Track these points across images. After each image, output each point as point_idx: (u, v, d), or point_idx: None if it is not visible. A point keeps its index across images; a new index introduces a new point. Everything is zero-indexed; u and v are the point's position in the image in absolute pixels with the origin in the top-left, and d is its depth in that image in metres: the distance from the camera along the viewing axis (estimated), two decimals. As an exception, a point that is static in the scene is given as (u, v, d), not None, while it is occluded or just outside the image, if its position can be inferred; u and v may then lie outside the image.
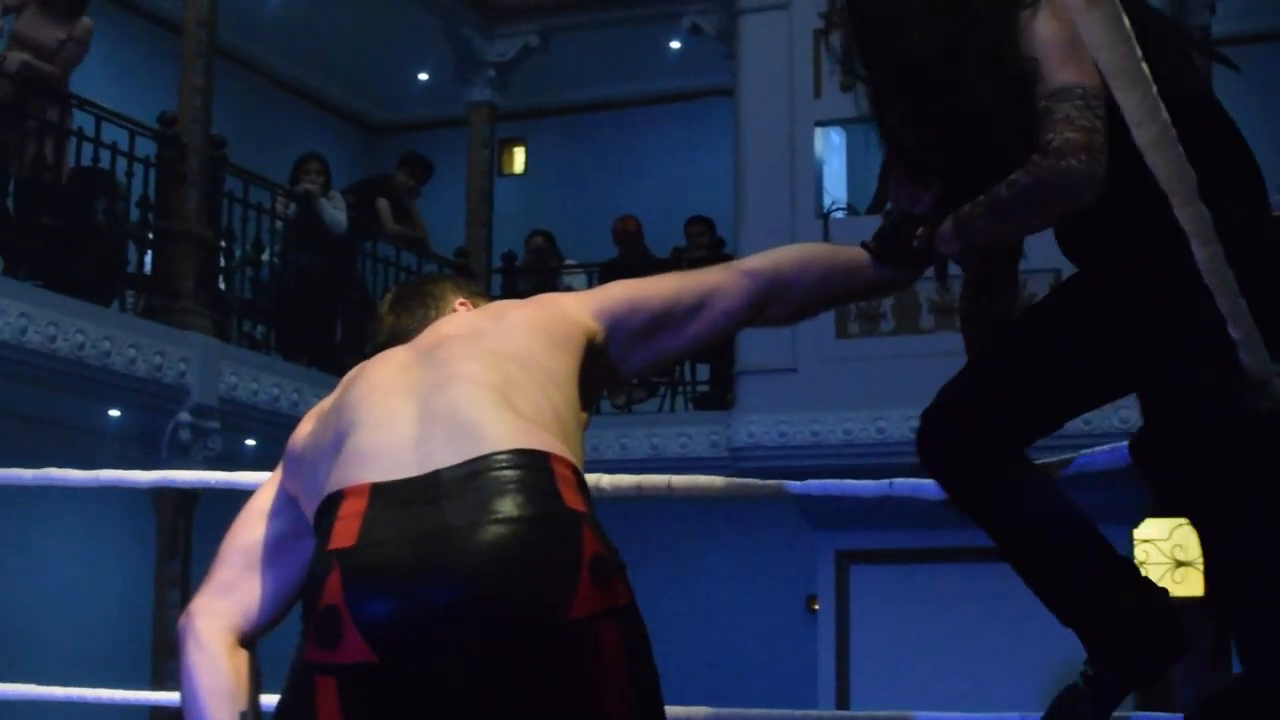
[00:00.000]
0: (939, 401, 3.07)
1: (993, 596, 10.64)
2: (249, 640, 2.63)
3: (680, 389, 13.67)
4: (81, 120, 10.15)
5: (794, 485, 3.80)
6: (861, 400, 11.63)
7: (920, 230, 2.93)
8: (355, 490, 2.35)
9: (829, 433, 11.80)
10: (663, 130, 15.94)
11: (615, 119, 16.12)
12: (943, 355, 11.50)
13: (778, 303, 2.99)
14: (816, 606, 12.62)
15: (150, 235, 10.68)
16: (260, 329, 11.84)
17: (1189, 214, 2.20)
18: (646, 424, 12.93)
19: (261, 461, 12.28)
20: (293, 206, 11.87)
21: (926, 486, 3.55)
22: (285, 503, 2.69)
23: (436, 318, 2.95)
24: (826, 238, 11.58)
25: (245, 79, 14.37)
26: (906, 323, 11.90)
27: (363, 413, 2.50)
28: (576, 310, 2.80)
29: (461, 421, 2.41)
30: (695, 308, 2.90)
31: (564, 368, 2.67)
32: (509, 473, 2.31)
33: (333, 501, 2.37)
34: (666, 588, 12.50)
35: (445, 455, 2.35)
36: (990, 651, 11.30)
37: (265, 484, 2.76)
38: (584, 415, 2.74)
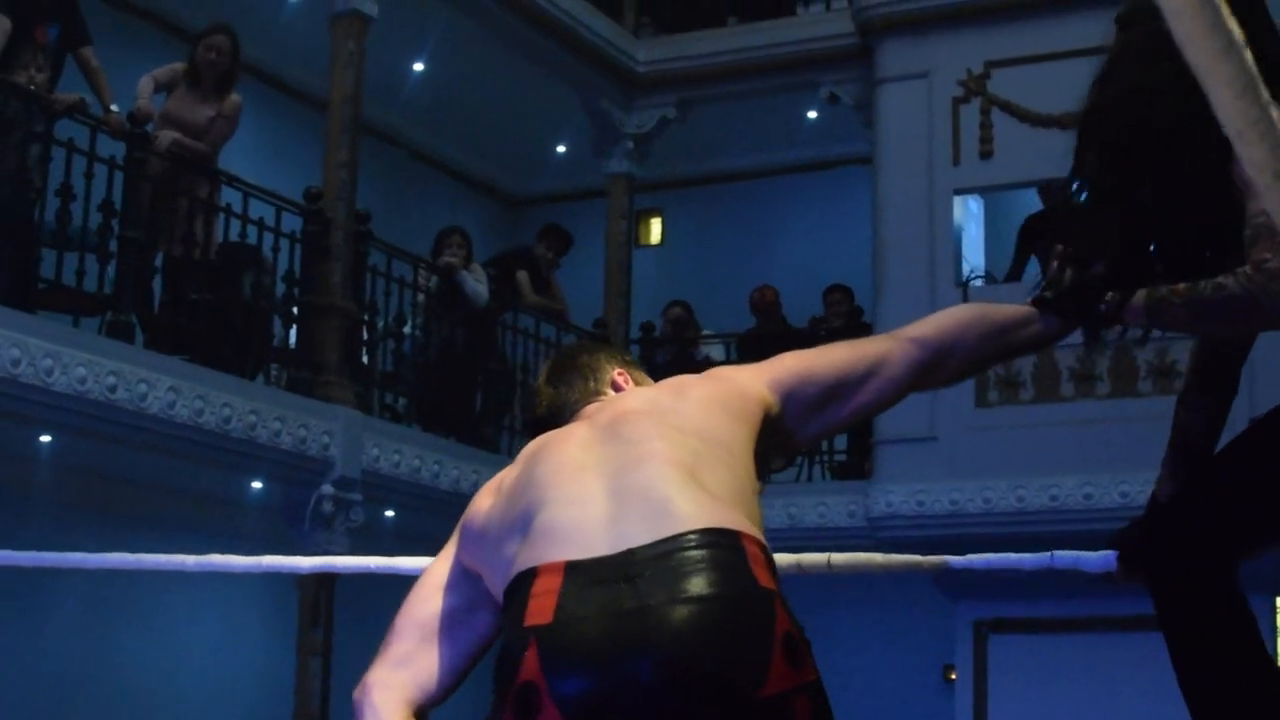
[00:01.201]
0: (1170, 513, 3.12)
1: (1133, 666, 10.54)
2: (423, 713, 2.68)
3: (818, 458, 13.63)
4: (229, 196, 10.30)
5: (956, 560, 3.79)
6: (1001, 469, 11.56)
7: (1111, 295, 2.95)
8: (549, 568, 2.40)
9: (968, 501, 11.73)
10: (799, 199, 15.93)
11: (752, 189, 16.13)
12: (1082, 423, 11.48)
13: (941, 368, 3.04)
14: (954, 676, 12.51)
15: (295, 309, 10.81)
16: (402, 401, 11.93)
17: None
18: (784, 494, 12.89)
19: (401, 534, 12.40)
20: (435, 279, 11.98)
21: (1087, 559, 3.55)
22: (460, 576, 2.75)
23: (596, 389, 3.03)
24: (966, 306, 11.44)
25: (387, 153, 14.56)
26: (1046, 391, 11.82)
27: (552, 490, 2.55)
28: (752, 384, 2.85)
29: (653, 500, 2.45)
30: (865, 377, 2.95)
31: (742, 441, 2.72)
32: (702, 551, 2.35)
33: (525, 578, 2.42)
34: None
35: (639, 534, 2.40)
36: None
37: (440, 557, 2.82)
38: (760, 484, 2.76)
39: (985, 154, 12.44)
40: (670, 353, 13.98)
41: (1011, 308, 3.11)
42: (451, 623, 2.72)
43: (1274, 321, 2.68)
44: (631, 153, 14.33)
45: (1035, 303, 3.07)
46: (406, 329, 11.86)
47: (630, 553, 2.37)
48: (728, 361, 13.59)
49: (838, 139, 14.83)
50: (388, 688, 2.65)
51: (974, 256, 12.80)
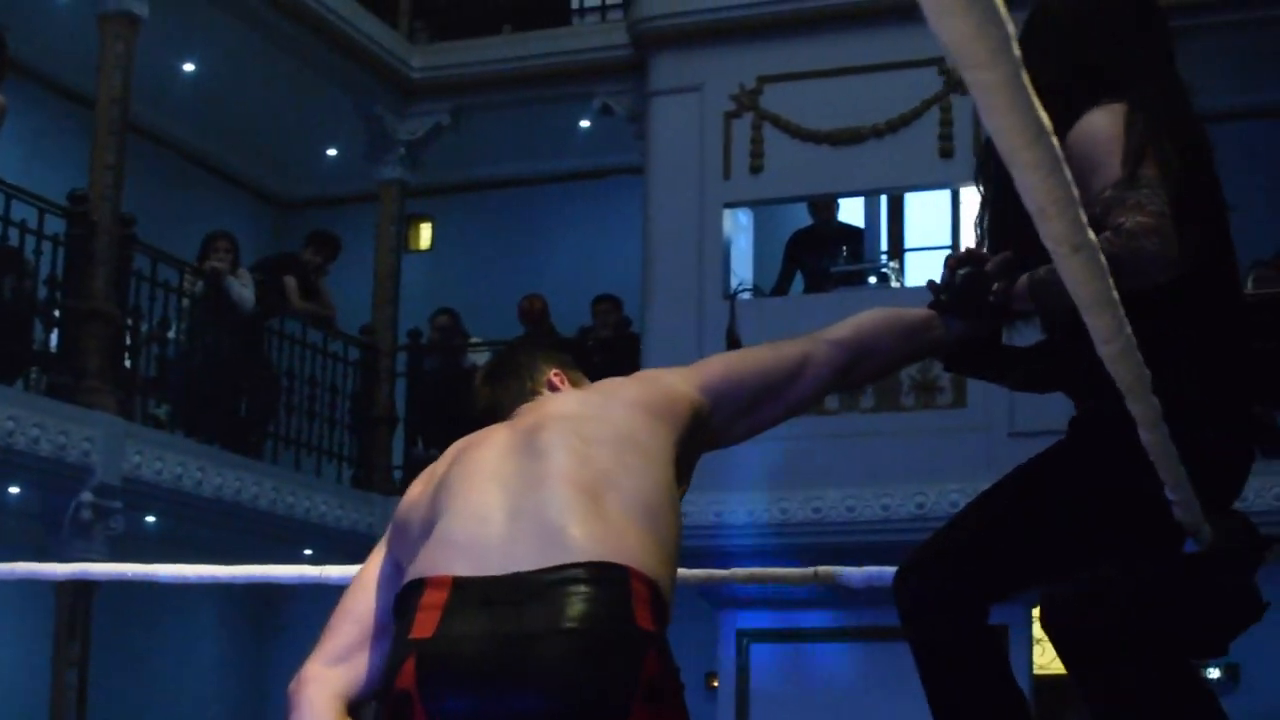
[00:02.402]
0: (922, 555, 3.20)
1: (890, 674, 10.74)
2: (354, 708, 2.71)
3: None
4: (-10, 198, 10.09)
5: (850, 574, 3.86)
6: (763, 482, 11.66)
7: (996, 286, 3.04)
8: (437, 581, 2.46)
9: (731, 514, 11.82)
10: (571, 208, 15.95)
11: (524, 196, 16.12)
12: (845, 437, 11.61)
13: (858, 369, 3.15)
14: (715, 684, 12.62)
15: (57, 313, 10.60)
16: (165, 408, 11.76)
17: (1141, 408, 2.37)
18: None
19: (163, 541, 12.21)
20: (200, 284, 11.82)
21: (847, 575, 3.64)
22: (394, 571, 2.77)
23: (532, 388, 3.08)
24: (733, 317, 11.62)
25: (155, 154, 14.30)
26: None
27: (458, 500, 2.60)
28: (681, 386, 2.91)
29: (548, 525, 2.50)
30: (789, 379, 3.04)
31: (664, 446, 2.76)
32: (586, 587, 2.41)
33: (415, 588, 2.48)
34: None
35: (529, 559, 2.45)
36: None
37: (375, 551, 2.86)
38: (682, 487, 2.83)
39: (756, 168, 12.57)
40: (438, 360, 13.95)
41: (918, 311, 3.19)
42: (388, 619, 2.73)
43: (1144, 279, 2.79)
44: (404, 158, 14.24)
45: (932, 306, 3.16)
46: (171, 334, 11.68)
47: (517, 576, 2.43)
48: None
49: (610, 149, 14.87)
50: (323, 682, 2.69)
51: (742, 269, 12.91)
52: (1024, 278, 3.00)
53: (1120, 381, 2.20)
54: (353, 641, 2.74)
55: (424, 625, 2.41)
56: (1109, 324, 1.88)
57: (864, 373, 3.18)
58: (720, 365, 3.02)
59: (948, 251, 13.23)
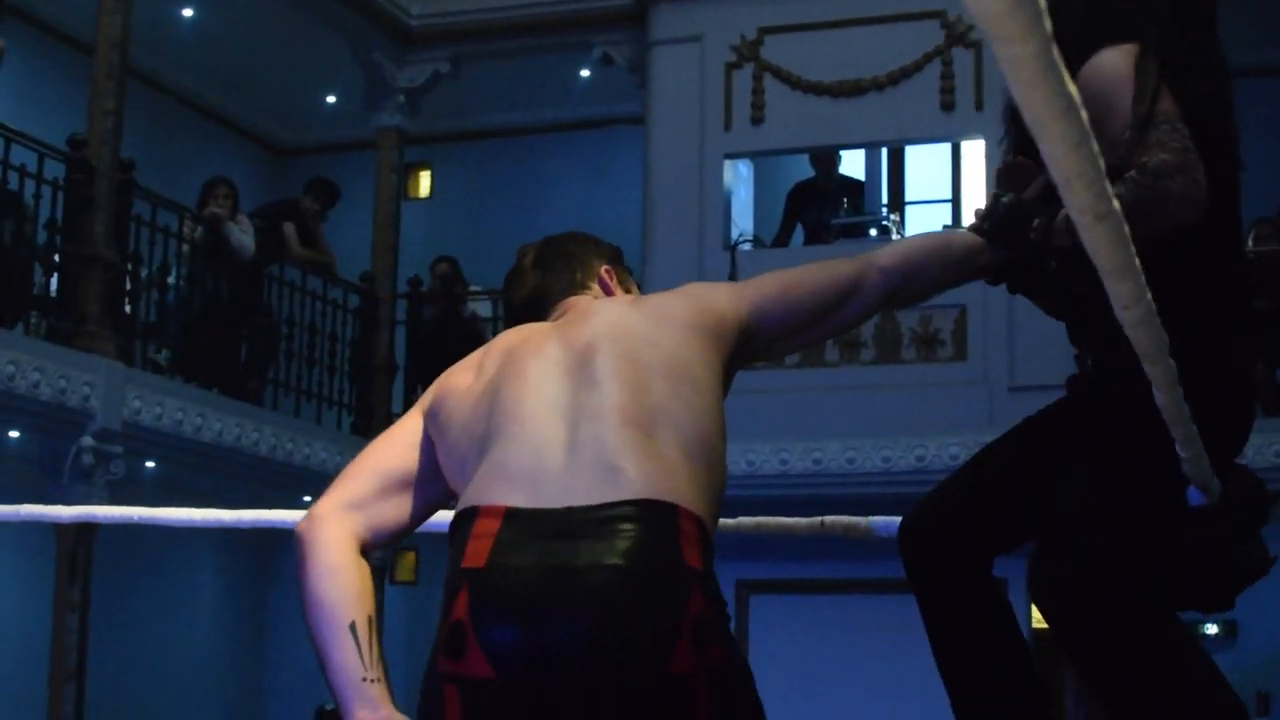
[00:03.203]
0: (927, 507, 3.22)
1: (888, 626, 10.78)
2: (367, 556, 2.72)
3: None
4: (-10, 142, 10.08)
5: (877, 522, 3.86)
6: (764, 433, 11.69)
7: (1037, 223, 3.03)
8: (490, 510, 2.49)
9: (732, 464, 11.81)
10: (571, 158, 15.94)
11: (523, 145, 16.11)
12: (846, 389, 11.63)
13: (904, 292, 3.11)
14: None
15: (57, 258, 10.59)
16: (165, 353, 11.76)
17: (1158, 370, 2.36)
18: None
19: (162, 486, 12.24)
20: (200, 230, 11.81)
21: (878, 525, 3.67)
22: (426, 442, 2.79)
23: (583, 280, 3.06)
24: (733, 268, 11.62)
25: (154, 100, 14.28)
26: (812, 357, 11.97)
27: (514, 424, 2.61)
28: (729, 306, 2.89)
29: (604, 459, 2.52)
30: (839, 302, 3.01)
31: (715, 374, 2.77)
32: (636, 525, 2.43)
33: (468, 516, 2.51)
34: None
35: (583, 493, 2.47)
36: (891, 682, 11.40)
37: (409, 414, 2.85)
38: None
39: (756, 119, 12.55)
40: (438, 308, 13.94)
41: (966, 237, 3.18)
42: (410, 480, 2.78)
43: (1170, 218, 2.81)
44: (403, 106, 14.20)
45: (974, 230, 3.15)
46: (171, 280, 11.67)
47: (569, 510, 2.45)
48: (495, 317, 13.62)
49: (610, 99, 14.86)
50: (339, 524, 2.69)
51: (743, 220, 12.92)
52: (1063, 214, 2.95)
53: (1139, 346, 2.21)
54: (370, 491, 2.75)
55: (476, 554, 2.45)
56: (1130, 290, 1.89)
57: (907, 297, 3.16)
58: (775, 287, 2.97)
59: (947, 205, 13.25)
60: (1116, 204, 1.48)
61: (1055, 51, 1.20)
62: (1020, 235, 3.06)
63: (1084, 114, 1.29)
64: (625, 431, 2.56)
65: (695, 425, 2.64)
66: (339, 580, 2.63)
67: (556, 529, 2.43)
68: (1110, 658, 2.94)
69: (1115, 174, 2.88)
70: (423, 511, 2.81)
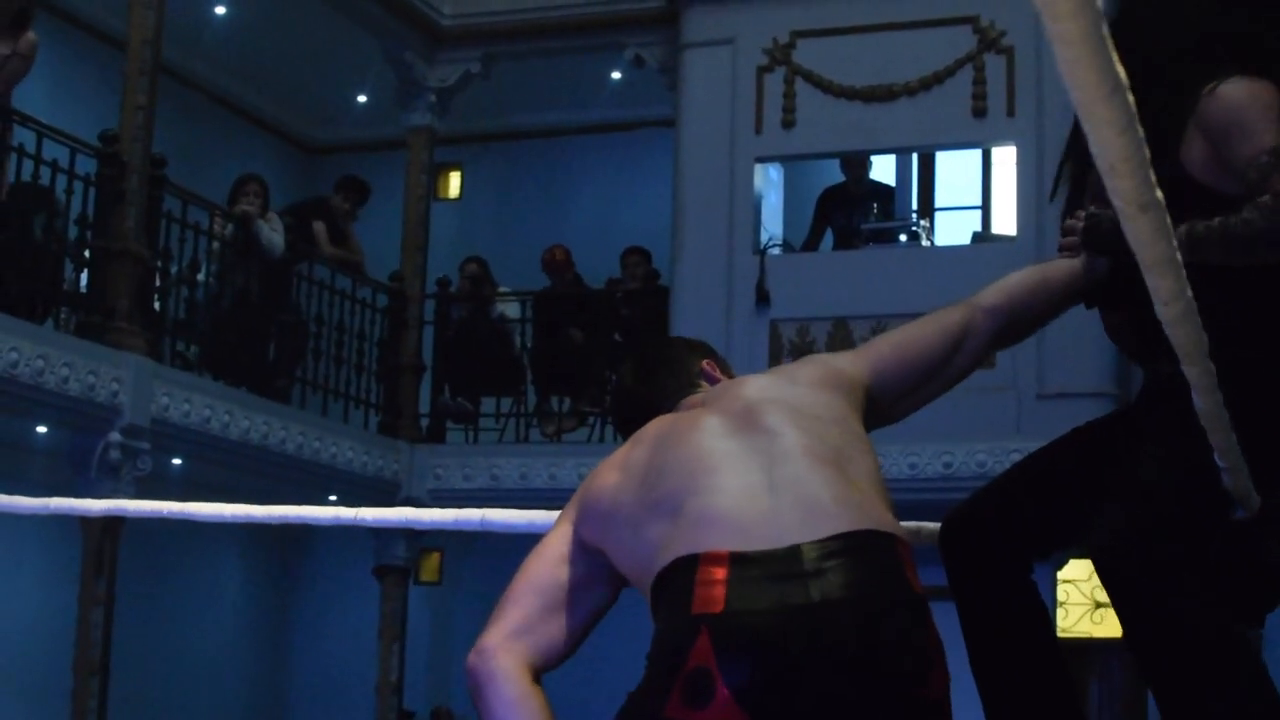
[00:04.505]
0: (969, 511, 3.23)
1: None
2: (539, 680, 2.70)
3: (524, 418, 13.67)
4: (22, 136, 10.08)
5: None
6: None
7: None
8: (713, 556, 2.46)
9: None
10: (601, 159, 15.93)
11: (554, 146, 16.10)
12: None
13: (1011, 332, 3.15)
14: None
15: (87, 253, 10.61)
16: (194, 350, 11.78)
17: (1197, 371, 2.35)
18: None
19: (189, 483, 12.25)
20: (230, 227, 11.83)
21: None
22: (579, 549, 2.78)
23: (690, 381, 3.07)
24: (762, 273, 11.60)
25: (186, 96, 14.30)
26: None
27: (703, 478, 2.59)
28: (853, 371, 2.93)
29: (810, 497, 2.52)
30: (951, 354, 3.05)
31: (860, 424, 2.80)
32: (862, 557, 2.44)
33: (687, 565, 2.47)
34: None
35: (800, 531, 2.47)
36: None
37: (557, 529, 2.84)
38: None
39: (787, 123, 12.53)
40: (466, 309, 13.95)
41: (1064, 264, 3.18)
42: (571, 595, 2.75)
43: None
44: (433, 105, 14.20)
45: (1084, 241, 3.13)
46: (200, 276, 11.69)
47: (797, 549, 2.44)
48: (523, 319, 13.63)
49: (641, 101, 14.85)
50: (511, 653, 2.67)
51: (772, 224, 12.89)
52: (1182, 229, 2.94)
53: (1177, 344, 2.20)
54: (535, 614, 2.72)
55: (710, 600, 2.41)
56: (1171, 286, 1.87)
57: (1014, 336, 3.18)
58: (889, 348, 3.01)
59: (977, 211, 13.22)
60: (1159, 194, 1.47)
61: (1105, 30, 1.19)
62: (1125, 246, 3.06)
63: (1130, 97, 1.28)
64: (823, 469, 2.57)
65: (872, 463, 2.68)
66: (524, 712, 2.61)
67: (786, 568, 2.42)
68: (1165, 652, 2.92)
69: (1230, 202, 2.90)
70: (588, 621, 2.78)
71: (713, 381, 3.08)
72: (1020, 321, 3.14)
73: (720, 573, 2.42)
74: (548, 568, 2.78)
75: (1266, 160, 2.87)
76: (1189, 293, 1.99)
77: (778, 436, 2.64)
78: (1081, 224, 3.09)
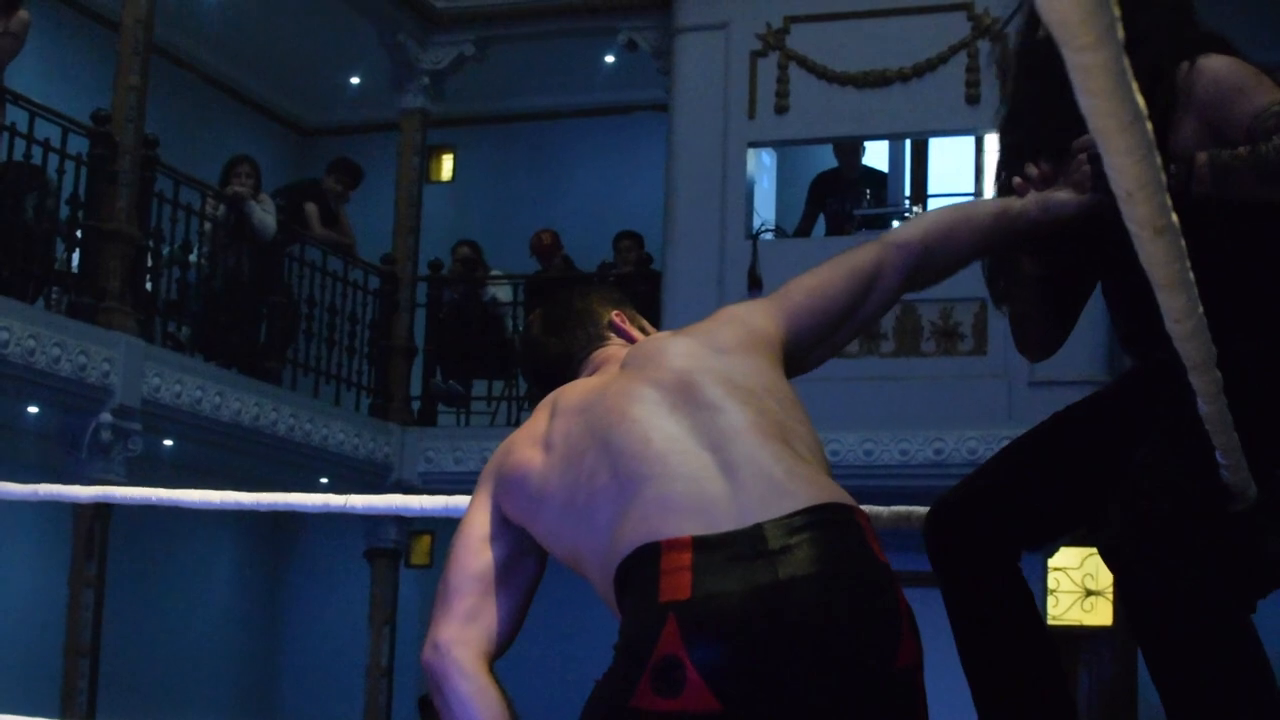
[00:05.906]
0: (954, 499, 3.20)
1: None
2: (491, 666, 2.70)
3: (515, 401, 13.68)
4: (14, 115, 10.06)
5: None
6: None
7: (1174, 167, 2.93)
8: (675, 543, 2.42)
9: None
10: (593, 143, 15.93)
11: (546, 130, 16.10)
12: (864, 380, 11.60)
13: (929, 268, 3.08)
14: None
15: (79, 233, 10.59)
16: (185, 330, 11.77)
17: (1204, 381, 2.36)
18: (479, 436, 13.03)
19: (180, 464, 12.26)
20: (222, 208, 11.82)
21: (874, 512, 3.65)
22: (502, 526, 2.77)
23: (597, 333, 3.05)
24: (755, 258, 11.60)
25: (178, 77, 14.28)
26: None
27: (654, 463, 2.55)
28: (769, 324, 2.88)
29: (766, 476, 2.49)
30: (863, 296, 2.99)
31: (788, 385, 2.77)
32: (826, 531, 2.42)
33: (648, 553, 2.44)
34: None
35: (761, 510, 2.43)
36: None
37: (476, 508, 2.82)
38: None
39: (781, 108, 12.53)
40: (458, 292, 13.94)
41: (994, 202, 3.14)
42: (506, 573, 2.75)
43: None
44: (427, 88, 14.18)
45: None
46: (192, 257, 11.68)
47: (760, 528, 2.41)
48: (515, 302, 13.62)
49: (635, 85, 14.84)
50: (466, 644, 2.67)
51: (765, 209, 12.90)
52: (1203, 157, 2.92)
53: (1187, 358, 2.20)
54: (478, 600, 2.71)
55: (676, 588, 2.38)
56: (1183, 304, 1.88)
57: (931, 275, 3.11)
58: (802, 295, 2.95)
59: (970, 198, 13.21)
60: (1175, 217, 1.47)
61: (1126, 61, 1.19)
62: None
63: (1149, 126, 1.28)
64: (770, 444, 2.54)
65: (810, 436, 2.65)
66: (480, 706, 2.61)
67: (750, 549, 2.38)
68: (1171, 642, 2.91)
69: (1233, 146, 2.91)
70: (526, 597, 2.77)
71: (623, 334, 3.06)
72: (937, 258, 3.06)
73: (685, 559, 2.39)
74: (478, 551, 2.77)
75: (1276, 110, 2.87)
76: (1200, 309, 1.99)
77: (720, 412, 2.60)
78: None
